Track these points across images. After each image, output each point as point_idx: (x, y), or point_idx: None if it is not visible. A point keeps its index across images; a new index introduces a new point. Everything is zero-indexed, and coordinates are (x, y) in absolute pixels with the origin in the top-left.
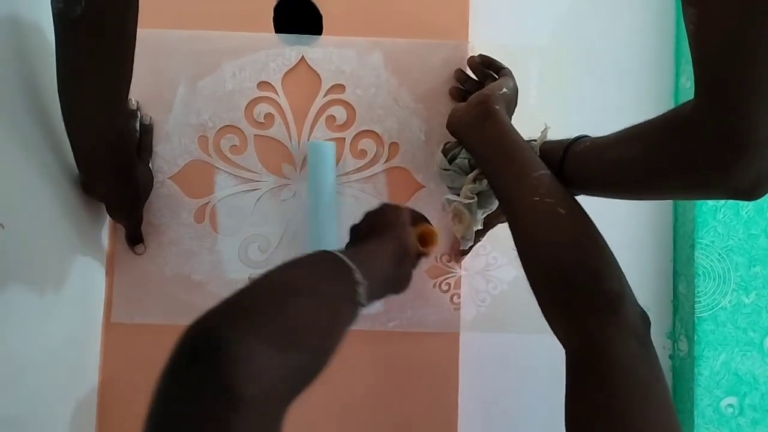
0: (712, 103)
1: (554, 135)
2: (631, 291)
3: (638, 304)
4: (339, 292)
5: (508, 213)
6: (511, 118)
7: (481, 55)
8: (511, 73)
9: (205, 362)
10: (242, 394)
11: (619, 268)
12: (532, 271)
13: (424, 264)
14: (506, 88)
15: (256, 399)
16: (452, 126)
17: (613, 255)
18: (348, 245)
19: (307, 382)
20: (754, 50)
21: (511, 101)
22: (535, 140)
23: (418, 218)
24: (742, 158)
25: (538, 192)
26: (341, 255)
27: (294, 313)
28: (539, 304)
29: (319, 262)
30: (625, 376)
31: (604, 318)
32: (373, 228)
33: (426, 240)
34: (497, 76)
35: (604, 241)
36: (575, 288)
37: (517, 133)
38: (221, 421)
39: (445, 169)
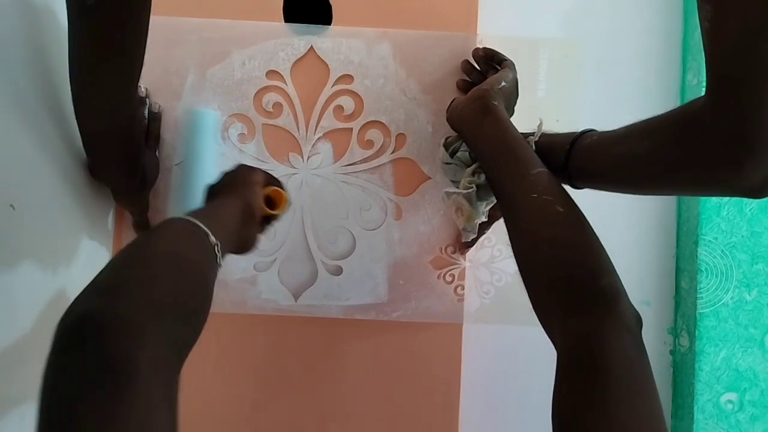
0: (723, 100)
1: (561, 127)
2: (625, 291)
3: (632, 304)
4: (201, 257)
5: (505, 209)
6: (512, 110)
7: (484, 48)
8: (513, 65)
9: (88, 342)
10: (137, 366)
11: (614, 267)
12: (528, 267)
13: (429, 255)
14: (505, 81)
15: (145, 371)
16: (452, 120)
17: (607, 254)
18: (201, 204)
19: (188, 347)
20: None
21: (510, 94)
22: (532, 134)
23: (272, 182)
24: (752, 156)
25: (536, 189)
26: (194, 220)
27: (166, 282)
28: (532, 300)
29: (178, 230)
30: (620, 371)
31: (601, 315)
32: (225, 187)
33: (273, 203)
34: (499, 68)
35: (599, 240)
36: (573, 285)
37: (515, 129)
38: (115, 399)
39: (447, 163)
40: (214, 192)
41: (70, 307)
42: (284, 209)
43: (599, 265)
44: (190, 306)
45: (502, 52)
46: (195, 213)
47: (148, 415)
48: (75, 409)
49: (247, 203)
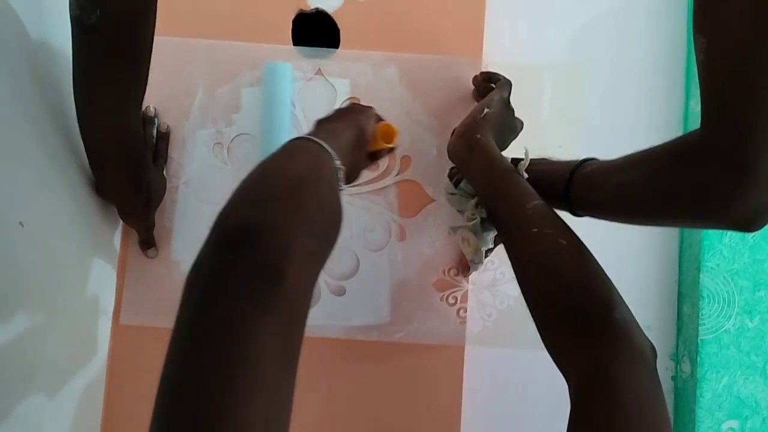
0: (716, 132)
1: (565, 153)
2: (636, 320)
3: (644, 333)
4: (333, 179)
5: (506, 245)
6: (511, 129)
7: (482, 73)
8: (505, 85)
9: (245, 247)
10: (285, 275)
11: (622, 297)
12: (536, 300)
13: (432, 277)
14: (488, 108)
15: (295, 279)
16: (449, 156)
17: (614, 285)
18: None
19: (324, 262)
20: (761, 83)
21: (498, 118)
22: (521, 160)
23: (383, 119)
24: (742, 189)
25: (535, 223)
26: (321, 142)
27: (311, 201)
28: (541, 332)
29: (312, 151)
30: (635, 406)
31: (614, 347)
32: (338, 115)
33: (386, 137)
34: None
35: (604, 271)
36: (584, 318)
37: (503, 161)
38: (265, 295)
39: (452, 193)
40: (325, 122)
41: (224, 212)
42: (396, 143)
43: (610, 296)
44: (328, 226)
45: (506, 76)
46: (319, 136)
47: (287, 321)
48: (224, 301)
49: (361, 129)
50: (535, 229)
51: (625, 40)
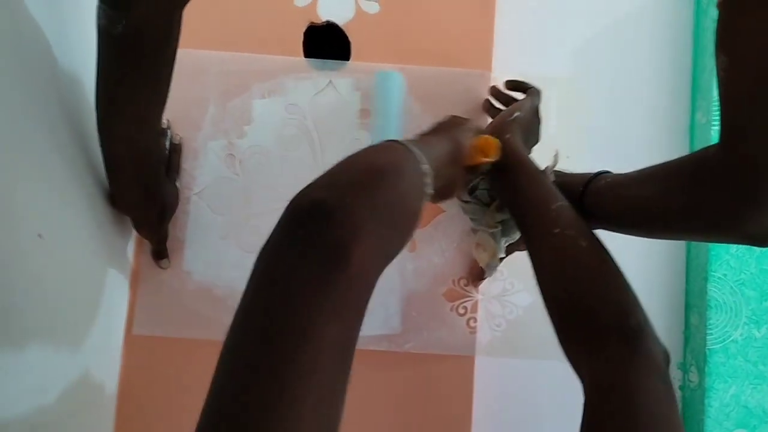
0: (731, 149)
1: (573, 164)
2: (652, 326)
3: (660, 340)
4: (415, 180)
5: (528, 245)
6: (536, 137)
7: (509, 80)
8: (536, 93)
9: (313, 224)
10: (350, 256)
11: (639, 302)
12: (553, 304)
13: (442, 287)
14: (520, 111)
15: (360, 262)
16: None
17: (633, 289)
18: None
19: (392, 257)
20: None
21: (529, 123)
22: (548, 166)
23: (482, 132)
24: (754, 207)
25: (558, 224)
26: (409, 145)
27: (387, 192)
28: (558, 337)
29: (399, 151)
30: (648, 415)
31: (628, 355)
32: (435, 128)
33: (484, 150)
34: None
35: (624, 275)
36: (599, 323)
37: (533, 162)
38: (325, 281)
39: (466, 201)
40: (421, 134)
41: (301, 192)
42: (496, 156)
43: (626, 301)
44: (400, 220)
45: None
46: (410, 140)
47: (347, 307)
48: (288, 281)
49: (457, 143)
50: (557, 230)
51: (632, 53)
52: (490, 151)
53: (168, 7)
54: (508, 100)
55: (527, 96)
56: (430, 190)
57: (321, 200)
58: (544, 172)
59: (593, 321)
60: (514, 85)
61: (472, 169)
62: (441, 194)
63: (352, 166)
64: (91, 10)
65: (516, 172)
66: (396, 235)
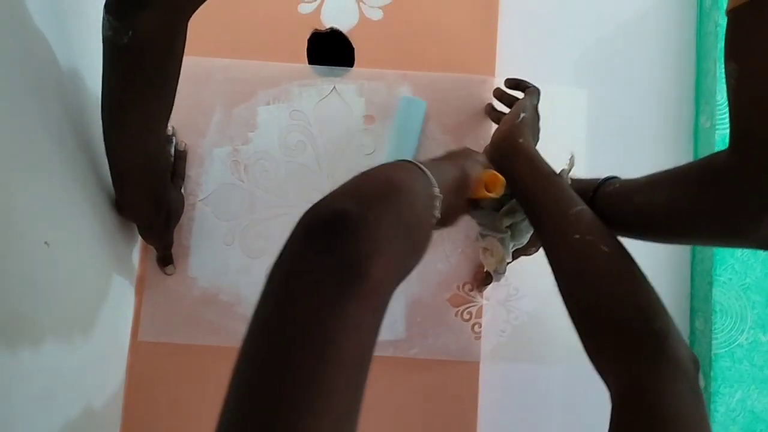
0: (745, 157)
1: (578, 170)
2: (679, 331)
3: (687, 345)
4: (428, 200)
5: (548, 251)
6: (537, 137)
7: (508, 79)
8: (534, 91)
9: (333, 236)
10: (367, 271)
11: (665, 307)
12: (575, 310)
13: (447, 293)
14: (524, 112)
15: (376, 278)
16: (491, 161)
17: (657, 294)
18: None
19: (407, 274)
20: None
21: (533, 122)
22: (564, 169)
23: (490, 168)
24: None
25: (577, 229)
26: (422, 167)
27: (403, 208)
28: (583, 344)
29: (415, 172)
30: (676, 423)
31: (654, 360)
32: (446, 156)
33: (489, 185)
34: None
35: (648, 279)
36: (624, 329)
37: (547, 165)
38: (344, 294)
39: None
40: (432, 159)
41: (321, 202)
42: (499, 192)
43: (650, 306)
44: (418, 237)
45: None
46: (423, 162)
47: (364, 320)
48: (303, 294)
49: (465, 173)
50: (577, 236)
51: (635, 58)
52: (495, 187)
53: (173, 18)
54: (511, 101)
55: (527, 95)
56: (438, 214)
57: (344, 211)
58: (560, 175)
59: (617, 327)
60: (513, 83)
61: (475, 203)
62: (442, 221)
63: (373, 180)
64: (97, 19)
65: (532, 177)
66: (412, 251)
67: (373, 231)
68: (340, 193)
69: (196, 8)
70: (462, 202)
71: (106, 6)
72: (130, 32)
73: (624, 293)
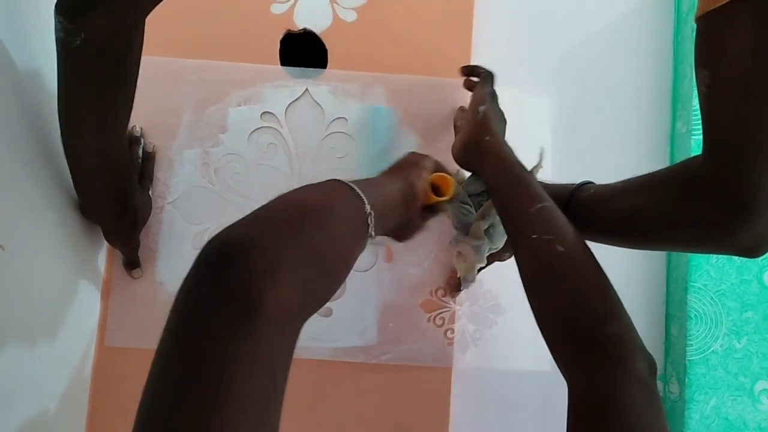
0: (718, 163)
1: (553, 175)
2: (637, 334)
3: (645, 348)
4: (352, 221)
5: (514, 252)
6: (504, 122)
7: (463, 67)
8: (487, 77)
9: (222, 266)
10: (260, 300)
11: (624, 309)
12: (536, 312)
13: (419, 298)
14: (482, 105)
15: (272, 308)
16: (459, 163)
17: (617, 295)
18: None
19: (321, 302)
20: (763, 116)
21: (493, 113)
22: (535, 166)
23: (441, 169)
24: (744, 219)
25: (536, 229)
26: (351, 184)
27: (314, 231)
28: (547, 346)
29: (336, 190)
30: (626, 427)
31: (608, 365)
32: (389, 168)
33: (439, 189)
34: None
35: (608, 281)
36: (577, 333)
37: (517, 162)
38: (234, 325)
39: (463, 203)
40: (374, 176)
41: (219, 232)
42: (450, 195)
43: (604, 309)
44: (329, 261)
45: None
46: (354, 180)
47: (260, 352)
48: (194, 326)
49: (409, 184)
50: (535, 235)
51: (613, 63)
52: (445, 190)
53: (127, 19)
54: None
55: (480, 83)
56: (372, 232)
57: (233, 240)
58: (531, 172)
59: (570, 333)
60: (468, 71)
61: (431, 209)
62: (398, 235)
63: (281, 205)
64: (52, 19)
65: (500, 174)
66: (324, 276)
67: (268, 257)
68: (242, 220)
69: (152, 8)
70: (412, 212)
71: (56, 7)
72: (83, 34)
73: (576, 296)
